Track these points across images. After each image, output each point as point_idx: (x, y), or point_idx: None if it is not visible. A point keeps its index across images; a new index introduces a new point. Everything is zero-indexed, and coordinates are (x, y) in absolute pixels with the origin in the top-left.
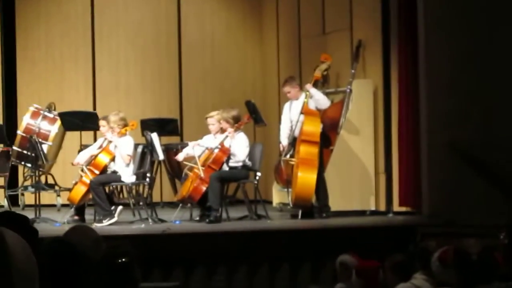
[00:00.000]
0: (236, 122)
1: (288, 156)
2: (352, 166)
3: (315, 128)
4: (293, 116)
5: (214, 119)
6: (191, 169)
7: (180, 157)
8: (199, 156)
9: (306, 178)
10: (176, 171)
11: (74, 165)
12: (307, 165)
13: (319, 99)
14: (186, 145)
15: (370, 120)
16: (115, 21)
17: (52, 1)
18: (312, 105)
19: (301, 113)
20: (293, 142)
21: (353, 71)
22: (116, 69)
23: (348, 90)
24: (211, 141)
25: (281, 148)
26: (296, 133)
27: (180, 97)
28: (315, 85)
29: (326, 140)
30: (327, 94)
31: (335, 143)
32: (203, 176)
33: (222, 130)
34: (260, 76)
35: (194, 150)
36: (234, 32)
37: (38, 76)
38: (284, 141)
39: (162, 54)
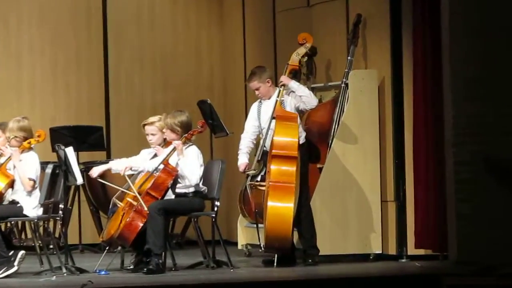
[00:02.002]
0: (185, 131)
1: (259, 178)
2: (349, 191)
3: (290, 137)
4: (264, 121)
5: (154, 127)
6: (122, 197)
7: (95, 172)
8: (133, 179)
9: (279, 209)
10: (101, 201)
11: None
12: (280, 191)
13: (303, 95)
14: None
15: (374, 126)
16: None
17: None
18: (289, 105)
19: (272, 117)
20: (266, 158)
21: (349, 58)
22: (16, 59)
23: (343, 85)
24: (150, 159)
25: (242, 168)
26: (268, 145)
27: (106, 96)
28: (294, 78)
29: (312, 155)
30: (313, 91)
31: (324, 159)
32: (140, 207)
33: (167, 143)
34: (219, 66)
35: (124, 171)
36: (182, 5)
37: None
38: (243, 157)
39: (81, 37)
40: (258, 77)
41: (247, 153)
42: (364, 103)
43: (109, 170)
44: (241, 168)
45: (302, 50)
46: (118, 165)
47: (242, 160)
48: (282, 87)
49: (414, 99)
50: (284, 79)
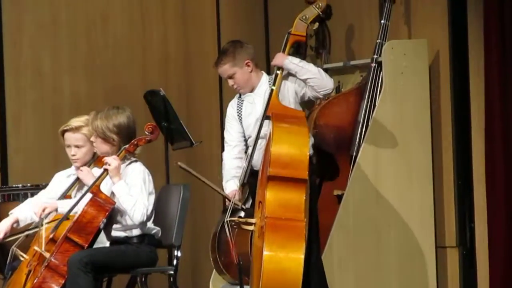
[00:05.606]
0: (126, 139)
1: (245, 207)
2: (385, 232)
3: (297, 149)
4: (249, 127)
5: (81, 135)
6: (26, 245)
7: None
8: (42, 219)
9: (282, 262)
10: None
11: None
12: (283, 233)
13: (310, 78)
14: (17, 196)
15: (423, 129)
16: None
17: None
18: (286, 98)
19: (265, 116)
20: (253, 181)
21: (383, 21)
22: None
23: (373, 65)
24: (69, 186)
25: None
26: (257, 162)
27: (1, 85)
28: (296, 53)
29: (325, 175)
30: (327, 73)
31: (346, 181)
32: (55, 260)
33: (98, 159)
34: (178, 36)
35: (41, 213)
36: None
37: None
38: (232, 183)
39: None
40: (231, 58)
41: (235, 177)
42: (408, 92)
43: (15, 222)
44: (232, 198)
45: (311, 12)
46: (27, 211)
47: (231, 186)
48: (279, 70)
49: (487, 84)
50: (277, 58)
